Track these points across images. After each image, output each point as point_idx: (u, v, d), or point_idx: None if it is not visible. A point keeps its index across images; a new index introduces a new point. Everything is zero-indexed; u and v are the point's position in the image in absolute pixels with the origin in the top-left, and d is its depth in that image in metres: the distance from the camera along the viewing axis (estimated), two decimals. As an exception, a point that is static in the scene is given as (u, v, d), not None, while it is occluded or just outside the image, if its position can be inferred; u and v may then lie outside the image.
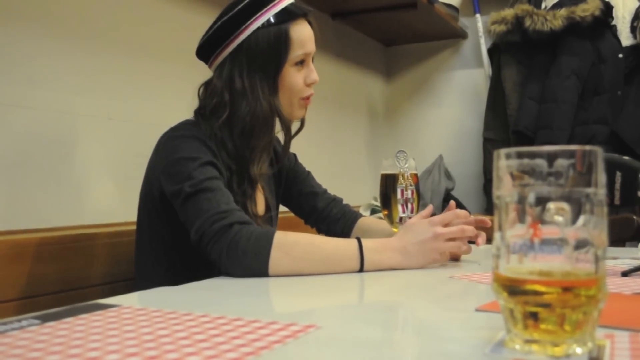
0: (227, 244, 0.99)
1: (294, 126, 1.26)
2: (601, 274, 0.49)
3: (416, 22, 2.76)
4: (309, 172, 1.45)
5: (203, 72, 1.25)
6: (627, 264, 1.01)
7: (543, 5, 2.58)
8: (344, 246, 1.03)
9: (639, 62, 2.45)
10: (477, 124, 2.92)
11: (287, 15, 1.16)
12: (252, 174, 1.18)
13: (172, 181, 1.08)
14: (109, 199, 1.48)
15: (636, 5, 2.50)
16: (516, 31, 2.51)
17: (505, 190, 0.51)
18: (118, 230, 1.38)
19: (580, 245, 0.48)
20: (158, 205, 1.15)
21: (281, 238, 1.00)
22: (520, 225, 0.50)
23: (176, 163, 1.09)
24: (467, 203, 2.88)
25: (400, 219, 1.27)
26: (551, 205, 0.48)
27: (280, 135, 1.27)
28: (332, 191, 1.46)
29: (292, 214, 1.48)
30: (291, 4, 1.18)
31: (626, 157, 1.17)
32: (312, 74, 1.21)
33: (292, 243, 1.00)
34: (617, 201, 1.08)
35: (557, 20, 2.40)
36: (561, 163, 0.48)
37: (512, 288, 0.50)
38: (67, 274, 1.23)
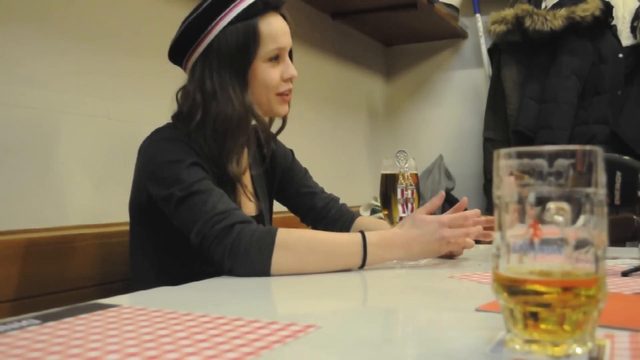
0: (230, 244, 0.99)
1: (277, 124, 1.25)
2: (601, 274, 0.49)
3: (416, 22, 2.76)
4: (306, 170, 1.44)
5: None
6: (627, 264, 1.01)
7: (543, 5, 2.58)
8: (347, 241, 1.03)
9: (639, 62, 2.45)
10: (477, 124, 2.92)
11: (255, 10, 1.12)
12: (231, 173, 1.14)
13: (161, 186, 1.07)
14: (108, 199, 1.48)
15: (636, 5, 2.50)
16: (516, 31, 2.52)
17: (505, 190, 0.51)
18: (115, 231, 1.38)
19: (580, 245, 0.48)
20: (147, 211, 1.14)
21: (284, 235, 1.00)
22: (520, 225, 0.50)
23: (162, 167, 1.07)
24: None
25: (401, 218, 1.27)
26: (551, 205, 0.48)
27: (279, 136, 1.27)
28: (332, 191, 1.46)
29: (288, 214, 1.47)
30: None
31: (626, 157, 1.18)
32: (289, 68, 1.16)
33: (295, 240, 1.00)
34: (617, 201, 1.08)
35: (557, 20, 2.40)
36: (561, 163, 0.48)
37: (512, 288, 0.50)
38: (65, 274, 1.23)
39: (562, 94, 2.40)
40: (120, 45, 1.53)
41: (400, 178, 1.27)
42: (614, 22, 2.49)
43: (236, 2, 1.11)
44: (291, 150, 1.43)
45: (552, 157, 0.48)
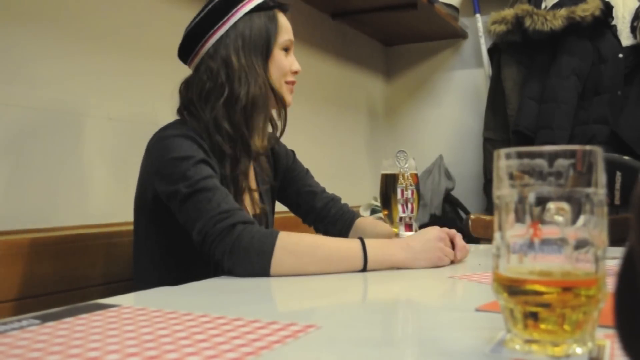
0: (230, 244, 0.99)
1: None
2: (601, 274, 0.49)
3: (416, 22, 2.76)
4: (307, 170, 1.45)
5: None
6: (627, 264, 1.01)
7: (543, 5, 2.58)
8: (347, 245, 1.03)
9: (639, 62, 2.45)
10: (477, 124, 2.92)
11: (273, 4, 1.22)
12: (254, 148, 1.19)
13: (167, 182, 1.07)
14: (109, 199, 1.48)
15: (636, 5, 2.50)
16: (516, 31, 2.51)
17: (505, 190, 0.51)
18: (117, 230, 1.38)
19: (580, 245, 0.48)
20: (152, 208, 1.14)
21: (284, 237, 1.00)
22: (520, 225, 0.50)
23: (169, 163, 1.08)
24: (467, 203, 2.88)
25: (400, 219, 1.28)
26: (551, 205, 0.48)
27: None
28: (332, 191, 1.46)
29: (291, 214, 1.48)
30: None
31: (626, 157, 1.18)
32: (296, 62, 1.26)
33: (295, 242, 1.00)
34: (617, 201, 1.08)
35: (557, 20, 2.40)
36: (561, 163, 0.48)
37: (512, 288, 0.50)
38: (66, 274, 1.23)
39: (562, 94, 2.40)
40: (120, 45, 1.53)
41: (400, 178, 1.27)
42: (614, 22, 2.49)
43: None
44: (292, 151, 1.44)
45: (552, 157, 0.48)
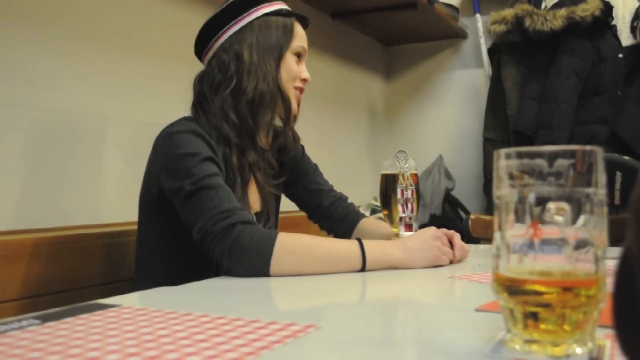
0: (230, 243, 0.99)
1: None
2: (601, 274, 0.49)
3: (416, 22, 2.76)
4: (316, 166, 1.44)
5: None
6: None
7: (543, 5, 2.58)
8: (346, 245, 1.03)
9: (639, 62, 2.45)
10: (477, 124, 2.92)
11: (290, 13, 1.26)
12: (260, 144, 1.22)
13: (172, 178, 1.08)
14: (109, 199, 1.48)
15: (636, 5, 2.50)
16: (516, 31, 2.51)
17: (505, 190, 0.51)
18: (118, 230, 1.38)
19: (580, 245, 0.48)
20: (157, 204, 1.15)
21: (284, 237, 1.00)
22: (520, 225, 0.49)
23: (175, 160, 1.09)
24: (467, 203, 2.88)
25: (400, 219, 1.28)
26: (551, 205, 0.48)
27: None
28: (332, 191, 1.46)
29: (292, 214, 1.48)
30: (295, 12, 1.28)
31: (626, 157, 1.18)
32: (306, 71, 1.27)
33: (294, 242, 1.00)
34: (617, 201, 1.08)
35: (557, 20, 2.40)
36: (561, 163, 0.48)
37: (512, 288, 0.50)
38: (67, 274, 1.23)
39: (562, 94, 2.40)
40: (120, 45, 1.53)
41: (400, 178, 1.27)
42: (614, 22, 2.49)
43: (273, 2, 1.25)
44: (302, 146, 1.43)
45: (552, 157, 0.48)
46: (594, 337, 0.50)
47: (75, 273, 1.25)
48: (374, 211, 2.51)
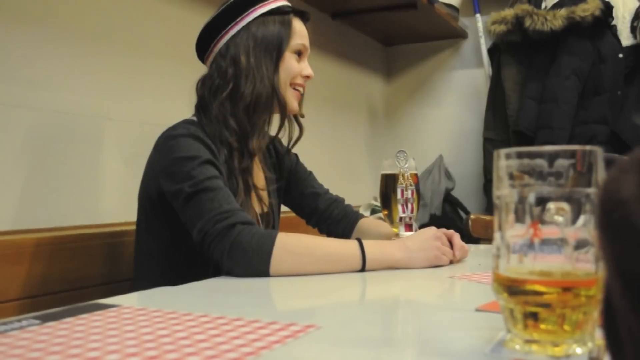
0: (229, 244, 0.99)
1: (294, 133, 1.29)
2: (601, 274, 0.49)
3: (416, 22, 2.76)
4: (310, 172, 1.45)
5: (202, 72, 1.25)
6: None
7: (543, 5, 2.58)
8: (346, 245, 1.04)
9: (639, 62, 2.45)
10: (477, 124, 2.92)
11: (290, 9, 1.24)
12: (252, 147, 1.21)
13: (172, 181, 1.09)
14: (109, 199, 1.48)
15: (636, 5, 2.50)
16: (516, 31, 2.51)
17: (505, 190, 0.51)
18: (118, 230, 1.38)
19: (580, 245, 0.48)
20: (156, 205, 1.15)
21: (283, 238, 1.00)
22: (520, 225, 0.49)
23: (175, 162, 1.09)
24: (467, 203, 2.88)
25: (400, 219, 1.28)
26: (551, 205, 0.48)
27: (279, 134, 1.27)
28: (332, 191, 1.46)
29: (292, 214, 1.48)
30: (294, 7, 1.26)
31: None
32: (308, 68, 1.26)
33: (294, 242, 1.01)
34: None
35: (557, 20, 2.40)
36: (561, 163, 0.48)
37: (512, 288, 0.50)
38: (67, 274, 1.23)
39: (562, 94, 2.40)
40: (120, 45, 1.53)
41: (400, 178, 1.27)
42: (614, 22, 2.49)
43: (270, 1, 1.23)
44: (295, 154, 1.44)
45: (552, 157, 0.48)
46: (594, 337, 0.50)
47: (75, 273, 1.25)
48: (374, 211, 2.51)
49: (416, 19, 2.69)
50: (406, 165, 1.29)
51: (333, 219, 1.39)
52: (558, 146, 0.49)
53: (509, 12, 2.52)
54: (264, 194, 1.28)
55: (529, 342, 0.50)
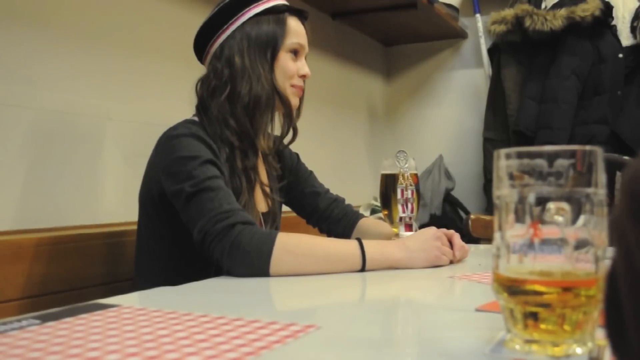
0: (229, 243, 0.99)
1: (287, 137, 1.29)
2: (601, 274, 0.49)
3: (416, 22, 2.76)
4: (311, 172, 1.45)
5: (202, 72, 1.25)
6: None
7: (543, 5, 2.58)
8: (346, 245, 1.04)
9: (639, 62, 2.45)
10: (477, 124, 2.92)
11: (285, 8, 1.23)
12: (261, 146, 1.22)
13: (173, 181, 1.09)
14: (109, 199, 1.48)
15: (636, 5, 2.50)
16: (516, 31, 2.51)
17: (505, 190, 0.51)
18: (118, 230, 1.39)
19: (581, 245, 0.48)
20: (157, 205, 1.15)
21: (283, 237, 1.00)
22: (520, 225, 0.49)
23: (176, 162, 1.09)
24: (467, 203, 2.88)
25: (400, 219, 1.28)
26: (551, 205, 0.48)
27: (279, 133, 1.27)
28: (332, 191, 1.46)
29: (292, 214, 1.48)
30: (290, 5, 1.24)
31: (626, 157, 1.17)
32: (305, 67, 1.25)
33: (294, 242, 1.01)
34: (617, 201, 1.08)
35: (557, 20, 2.40)
36: (561, 163, 0.48)
37: (512, 288, 0.50)
38: (67, 274, 1.23)
39: (562, 94, 2.40)
40: (120, 45, 1.53)
41: (400, 178, 1.27)
42: (614, 22, 2.49)
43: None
44: (296, 154, 1.45)
45: (552, 157, 0.48)
46: (594, 337, 0.50)
47: (75, 273, 1.25)
48: (374, 211, 2.51)
49: (416, 19, 2.69)
50: (406, 165, 1.29)
51: (333, 218, 1.39)
52: (558, 146, 0.49)
53: (509, 12, 2.52)
54: (268, 192, 1.28)
55: (529, 342, 0.50)
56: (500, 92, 2.65)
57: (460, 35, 3.02)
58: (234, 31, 1.20)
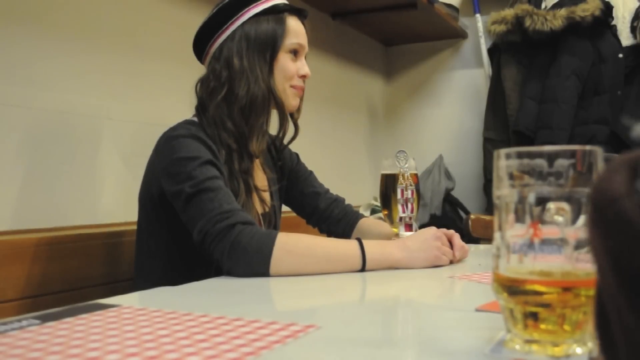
0: (229, 244, 0.99)
1: (289, 132, 1.28)
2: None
3: (416, 22, 2.76)
4: (311, 172, 1.45)
5: (202, 72, 1.25)
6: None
7: (543, 5, 2.57)
8: (346, 245, 1.04)
9: (639, 62, 2.45)
10: (477, 124, 2.92)
11: (285, 7, 1.22)
12: (252, 150, 1.21)
13: (173, 181, 1.09)
14: (109, 199, 1.48)
15: (636, 5, 2.50)
16: (516, 31, 2.51)
17: (505, 190, 0.51)
18: (118, 230, 1.39)
19: (580, 245, 0.48)
20: (157, 205, 1.15)
21: (283, 238, 1.00)
22: (520, 225, 0.49)
23: (176, 163, 1.09)
24: (467, 203, 2.88)
25: (400, 219, 1.28)
26: (551, 205, 0.48)
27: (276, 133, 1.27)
28: (332, 191, 1.46)
29: (292, 214, 1.48)
30: (290, 4, 1.24)
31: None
32: (304, 67, 1.25)
33: (294, 242, 1.01)
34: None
35: (557, 20, 2.40)
36: (561, 163, 0.48)
37: (512, 288, 0.50)
38: (67, 274, 1.23)
39: (562, 94, 2.40)
40: (120, 45, 1.53)
41: (400, 178, 1.27)
42: (614, 22, 2.49)
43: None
44: (296, 154, 1.44)
45: (552, 157, 0.48)
46: (594, 337, 0.50)
47: (75, 273, 1.25)
48: (374, 211, 2.51)
49: (416, 19, 2.69)
50: (406, 165, 1.29)
51: (333, 218, 1.39)
52: (558, 146, 0.49)
53: (509, 12, 2.52)
54: (266, 195, 1.28)
55: (529, 342, 0.50)
56: (500, 92, 2.65)
57: (460, 35, 3.02)
58: (233, 31, 1.19)
